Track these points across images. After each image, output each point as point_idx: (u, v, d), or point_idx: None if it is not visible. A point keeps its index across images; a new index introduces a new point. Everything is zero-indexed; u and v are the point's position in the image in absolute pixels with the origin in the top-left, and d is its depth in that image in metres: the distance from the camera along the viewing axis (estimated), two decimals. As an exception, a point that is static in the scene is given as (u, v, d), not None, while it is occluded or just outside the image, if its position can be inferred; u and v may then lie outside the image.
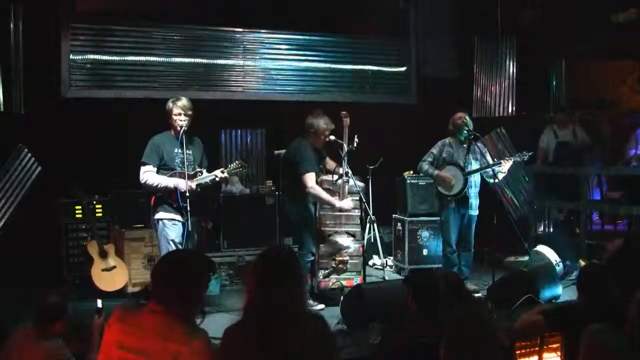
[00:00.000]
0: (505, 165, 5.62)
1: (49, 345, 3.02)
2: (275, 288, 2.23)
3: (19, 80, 5.59)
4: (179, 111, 4.72)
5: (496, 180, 5.72)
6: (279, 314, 2.19)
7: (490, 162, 5.73)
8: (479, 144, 5.84)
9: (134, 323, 2.25)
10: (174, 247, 4.57)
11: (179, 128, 4.72)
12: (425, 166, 5.89)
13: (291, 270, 2.31)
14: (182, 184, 4.61)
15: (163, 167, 4.76)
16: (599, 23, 7.32)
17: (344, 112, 5.49)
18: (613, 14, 7.34)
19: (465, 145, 5.77)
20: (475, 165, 5.75)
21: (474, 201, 5.77)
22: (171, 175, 4.71)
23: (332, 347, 2.35)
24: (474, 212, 5.78)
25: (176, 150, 4.76)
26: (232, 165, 4.76)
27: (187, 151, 4.73)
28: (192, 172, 4.74)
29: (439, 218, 6.06)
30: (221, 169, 4.75)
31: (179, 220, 4.71)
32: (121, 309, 2.34)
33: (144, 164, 4.71)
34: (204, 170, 4.86)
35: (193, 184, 4.67)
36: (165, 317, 2.22)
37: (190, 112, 4.76)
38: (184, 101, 4.77)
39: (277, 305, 2.20)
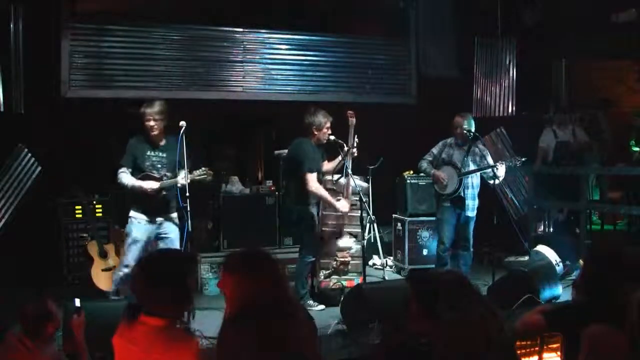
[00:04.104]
0: (500, 170, 5.63)
1: (46, 354, 3.01)
2: (283, 284, 2.27)
3: (19, 80, 5.59)
4: (147, 117, 4.83)
5: (496, 182, 5.72)
6: (284, 309, 2.21)
7: (490, 164, 5.74)
8: (479, 146, 5.85)
9: (128, 336, 2.31)
10: (134, 245, 4.82)
11: (150, 132, 4.84)
12: (424, 165, 5.94)
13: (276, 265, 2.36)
14: (147, 186, 4.79)
15: (136, 169, 4.90)
16: (599, 23, 7.32)
17: (350, 112, 5.50)
18: (613, 14, 7.33)
19: (465, 147, 5.78)
20: (473, 167, 5.76)
21: (471, 202, 5.76)
22: (141, 178, 4.85)
23: (316, 331, 2.39)
24: (472, 213, 5.77)
25: (148, 153, 4.89)
26: (196, 172, 4.83)
27: (161, 154, 4.89)
28: (159, 176, 4.85)
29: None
30: (184, 176, 4.79)
31: (143, 219, 4.87)
32: (122, 323, 2.38)
33: (120, 165, 4.90)
34: (186, 173, 4.84)
35: (155, 186, 4.79)
36: (151, 328, 2.27)
37: (159, 117, 4.83)
38: (153, 107, 4.85)
39: (284, 300, 2.22)
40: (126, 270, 4.77)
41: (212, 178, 4.80)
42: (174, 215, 5.00)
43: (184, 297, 2.35)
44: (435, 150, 5.95)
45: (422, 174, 6.32)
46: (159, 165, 4.88)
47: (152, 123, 4.81)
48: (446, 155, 5.85)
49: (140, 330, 2.28)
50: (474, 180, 5.79)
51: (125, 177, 4.84)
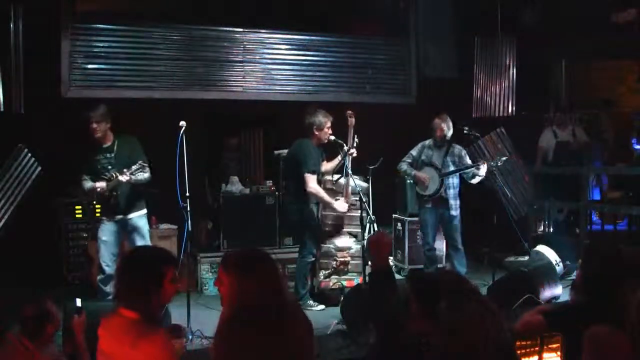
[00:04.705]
0: (482, 169, 5.64)
1: (45, 355, 3.01)
2: (280, 284, 2.27)
3: (19, 80, 5.58)
4: (89, 120, 4.94)
5: (476, 180, 5.73)
6: (282, 308, 2.20)
7: (469, 164, 5.76)
8: (458, 147, 5.88)
9: (108, 327, 2.35)
10: (103, 245, 4.99)
11: (93, 134, 4.94)
12: (404, 166, 6.00)
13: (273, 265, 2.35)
14: (97, 185, 4.91)
15: (92, 174, 5.02)
16: (599, 23, 7.32)
17: (349, 112, 5.50)
18: (613, 14, 7.34)
19: (444, 148, 5.80)
20: (452, 168, 5.78)
21: (453, 202, 5.80)
22: (94, 181, 4.98)
23: (312, 330, 2.38)
24: (454, 212, 5.80)
25: (96, 157, 5.01)
26: (133, 167, 4.87)
27: (109, 155, 4.99)
28: (107, 177, 4.93)
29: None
30: (124, 172, 4.82)
31: (105, 220, 5.04)
32: (104, 316, 2.41)
33: (81, 174, 5.05)
34: (135, 172, 4.90)
35: (104, 185, 4.88)
36: (125, 320, 2.29)
37: (99, 119, 4.93)
38: (94, 110, 4.94)
39: (282, 299, 2.22)
40: (105, 274, 4.91)
41: (149, 172, 4.87)
42: (137, 213, 5.08)
43: (154, 292, 2.34)
44: (414, 152, 6.01)
45: (401, 174, 6.34)
46: (109, 167, 4.96)
47: (94, 126, 4.92)
48: (425, 157, 5.91)
49: (117, 322, 2.32)
50: (454, 180, 5.82)
51: (85, 183, 5.01)
